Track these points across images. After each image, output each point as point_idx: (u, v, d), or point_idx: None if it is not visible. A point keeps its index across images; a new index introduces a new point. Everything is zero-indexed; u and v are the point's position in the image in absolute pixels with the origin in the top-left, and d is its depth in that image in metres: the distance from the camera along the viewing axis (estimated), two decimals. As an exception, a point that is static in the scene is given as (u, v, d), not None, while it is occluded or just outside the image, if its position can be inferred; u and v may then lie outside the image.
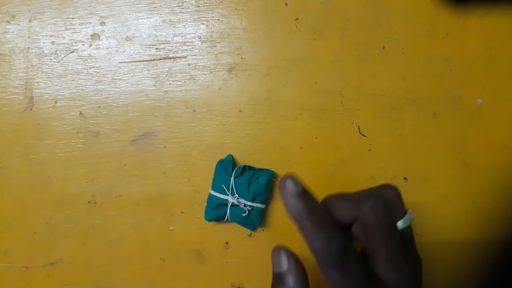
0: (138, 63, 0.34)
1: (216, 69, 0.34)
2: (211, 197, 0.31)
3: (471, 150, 0.33)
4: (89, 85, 0.34)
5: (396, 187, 0.24)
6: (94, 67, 0.34)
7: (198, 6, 0.34)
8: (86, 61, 0.34)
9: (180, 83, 0.34)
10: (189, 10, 0.34)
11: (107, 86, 0.34)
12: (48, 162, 0.33)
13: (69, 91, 0.34)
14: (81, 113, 0.34)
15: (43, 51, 0.34)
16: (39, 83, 0.34)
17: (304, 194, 0.23)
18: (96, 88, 0.34)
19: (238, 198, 0.30)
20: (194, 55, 0.34)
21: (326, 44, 0.33)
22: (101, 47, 0.34)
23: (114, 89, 0.34)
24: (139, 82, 0.34)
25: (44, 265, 0.33)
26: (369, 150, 0.33)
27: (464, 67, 0.33)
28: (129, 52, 0.34)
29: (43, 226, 0.33)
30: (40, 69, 0.34)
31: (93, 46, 0.34)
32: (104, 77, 0.34)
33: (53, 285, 0.33)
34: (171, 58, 0.34)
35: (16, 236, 0.33)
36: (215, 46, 0.34)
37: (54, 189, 0.33)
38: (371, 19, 0.34)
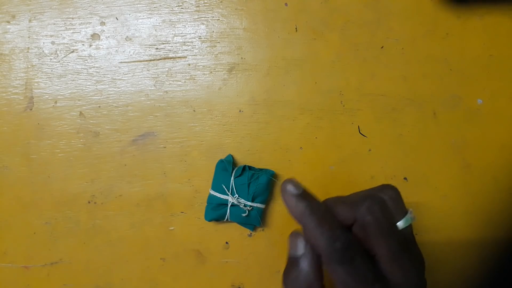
0: (138, 63, 0.34)
1: (216, 69, 0.34)
2: (211, 197, 0.31)
3: (471, 150, 0.33)
4: (89, 85, 0.34)
5: (395, 187, 0.24)
6: (94, 67, 0.34)
7: (198, 6, 0.34)
8: (86, 61, 0.34)
9: (180, 83, 0.34)
10: (189, 10, 0.34)
11: (107, 86, 0.34)
12: (48, 162, 0.33)
13: (69, 91, 0.34)
14: (81, 113, 0.34)
15: (43, 51, 0.34)
16: (39, 83, 0.34)
17: (305, 195, 0.23)
18: (96, 88, 0.34)
19: (238, 198, 0.30)
20: (194, 55, 0.34)
21: (326, 44, 0.33)
22: (101, 47, 0.34)
23: (114, 89, 0.34)
24: (139, 82, 0.34)
25: (44, 265, 0.33)
26: (369, 150, 0.33)
27: (464, 67, 0.33)
28: (129, 52, 0.34)
29: (43, 226, 0.33)
30: (40, 69, 0.34)
31: (93, 46, 0.34)
32: (104, 77, 0.34)
33: (53, 285, 0.33)
34: (171, 58, 0.34)
35: (16, 236, 0.33)
36: (215, 46, 0.34)
37: (54, 189, 0.33)
38: (371, 19, 0.34)
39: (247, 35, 0.34)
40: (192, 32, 0.34)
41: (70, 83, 0.34)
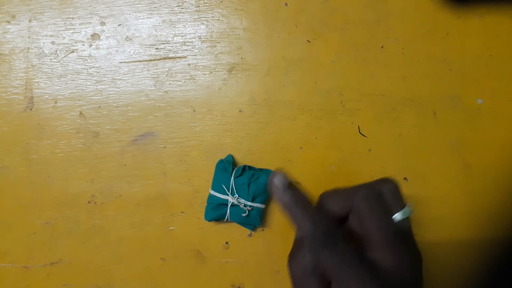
0: (138, 63, 0.34)
1: (216, 69, 0.34)
2: (211, 197, 0.31)
3: (471, 150, 0.33)
4: (89, 85, 0.34)
5: (395, 180, 0.24)
6: (94, 67, 0.34)
7: (198, 6, 0.34)
8: (86, 61, 0.34)
9: (180, 83, 0.34)
10: (189, 10, 0.34)
11: (107, 86, 0.34)
12: (48, 162, 0.33)
13: (69, 91, 0.34)
14: (81, 113, 0.34)
15: (43, 51, 0.34)
16: (39, 83, 0.34)
17: (290, 186, 0.24)
18: (96, 88, 0.34)
19: (238, 198, 0.30)
20: (194, 55, 0.34)
21: (326, 44, 0.33)
22: (101, 47, 0.34)
23: (114, 89, 0.34)
24: (139, 82, 0.34)
25: (44, 265, 0.33)
26: (369, 150, 0.33)
27: (464, 67, 0.33)
28: (129, 52, 0.34)
29: (43, 226, 0.33)
30: (40, 69, 0.34)
31: (93, 46, 0.34)
32: (104, 77, 0.34)
33: (53, 285, 0.33)
34: (171, 58, 0.34)
35: (16, 236, 0.33)
36: (215, 46, 0.34)
37: (54, 189, 0.33)
38: (371, 19, 0.34)
39: (247, 35, 0.34)
40: (192, 32, 0.34)
41: (70, 83, 0.34)
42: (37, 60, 0.34)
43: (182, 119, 0.33)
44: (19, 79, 0.34)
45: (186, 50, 0.34)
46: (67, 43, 0.34)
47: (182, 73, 0.34)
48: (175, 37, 0.34)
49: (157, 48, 0.34)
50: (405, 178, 0.33)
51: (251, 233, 0.33)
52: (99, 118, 0.33)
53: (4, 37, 0.34)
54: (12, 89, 0.34)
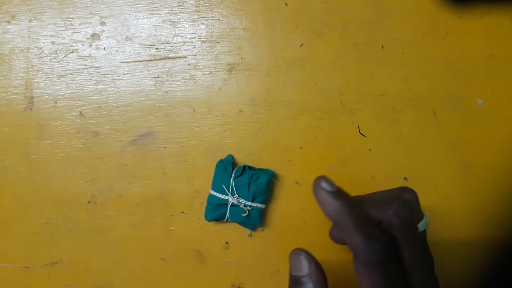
0: (138, 63, 0.34)
1: (216, 69, 0.34)
2: (211, 197, 0.31)
3: (471, 150, 0.33)
4: (89, 85, 0.34)
5: (413, 190, 0.23)
6: (94, 67, 0.34)
7: (198, 6, 0.34)
8: (86, 61, 0.34)
9: (180, 83, 0.34)
10: (189, 10, 0.34)
11: (107, 86, 0.34)
12: (48, 162, 0.33)
13: (69, 91, 0.34)
14: (81, 113, 0.34)
15: (43, 51, 0.34)
16: (39, 83, 0.34)
17: (341, 193, 0.22)
18: (96, 88, 0.34)
19: (238, 198, 0.30)
20: (194, 55, 0.34)
21: (326, 44, 0.33)
22: (101, 47, 0.34)
23: (114, 89, 0.34)
24: (139, 82, 0.34)
25: (44, 265, 0.33)
26: (369, 150, 0.33)
27: (464, 67, 0.33)
28: (129, 52, 0.34)
29: (43, 226, 0.33)
30: (40, 69, 0.34)
31: (93, 46, 0.34)
32: (104, 77, 0.34)
33: (53, 285, 0.33)
34: (171, 58, 0.34)
35: (16, 236, 0.33)
36: (215, 46, 0.34)
37: (54, 189, 0.33)
38: (371, 19, 0.34)
39: (247, 35, 0.34)
40: (192, 32, 0.34)
41: (70, 83, 0.34)
42: (37, 60, 0.34)
43: (182, 119, 0.33)
44: (19, 79, 0.34)
45: (186, 50, 0.34)
46: (67, 43, 0.34)
47: (182, 73, 0.34)
48: (175, 37, 0.34)
49: (157, 48, 0.34)
50: (405, 178, 0.33)
51: (251, 233, 0.33)
52: (99, 118, 0.33)
53: (4, 37, 0.34)
54: (12, 89, 0.34)
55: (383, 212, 0.22)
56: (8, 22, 0.34)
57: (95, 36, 0.34)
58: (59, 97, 0.34)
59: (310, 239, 0.32)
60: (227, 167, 0.31)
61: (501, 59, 0.33)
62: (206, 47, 0.34)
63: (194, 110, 0.33)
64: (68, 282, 0.33)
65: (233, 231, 0.33)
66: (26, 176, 0.33)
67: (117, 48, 0.34)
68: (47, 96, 0.34)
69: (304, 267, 0.23)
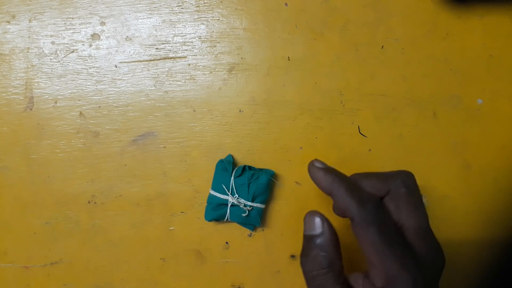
0: (138, 63, 0.34)
1: (216, 69, 0.34)
2: (211, 197, 0.31)
3: (471, 150, 0.33)
4: (89, 85, 0.34)
5: (411, 172, 0.25)
6: (94, 67, 0.34)
7: (198, 6, 0.34)
8: (86, 61, 0.34)
9: (180, 83, 0.34)
10: (189, 10, 0.34)
11: (107, 86, 0.34)
12: (48, 162, 0.33)
13: (69, 91, 0.34)
14: (81, 113, 0.34)
15: (43, 51, 0.34)
16: (39, 83, 0.34)
17: (332, 168, 0.25)
18: (96, 88, 0.34)
19: (238, 198, 0.30)
20: (194, 55, 0.34)
21: (326, 44, 0.33)
22: (101, 47, 0.34)
23: (114, 89, 0.34)
24: (139, 82, 0.34)
25: (44, 265, 0.33)
26: (369, 150, 0.33)
27: (464, 67, 0.33)
28: (129, 52, 0.34)
29: (43, 226, 0.33)
30: (40, 69, 0.34)
31: (93, 46, 0.34)
32: (104, 77, 0.34)
33: (53, 285, 0.33)
34: (171, 58, 0.34)
35: (16, 236, 0.33)
36: (215, 46, 0.34)
37: (54, 189, 0.33)
38: (371, 19, 0.34)
39: (247, 35, 0.34)
40: (192, 32, 0.34)
41: (70, 83, 0.34)
42: (37, 60, 0.34)
43: (182, 119, 0.33)
44: (19, 79, 0.34)
45: (186, 50, 0.34)
46: (67, 43, 0.34)
47: (182, 73, 0.34)
48: (175, 37, 0.34)
49: (157, 48, 0.34)
50: (405, 178, 0.33)
51: (251, 233, 0.33)
52: (99, 118, 0.33)
53: (4, 37, 0.34)
54: (12, 89, 0.34)
55: (391, 182, 0.24)
56: (8, 22, 0.34)
57: (95, 36, 0.34)
58: (59, 97, 0.34)
59: (310, 239, 0.32)
60: (227, 167, 0.31)
61: (501, 59, 0.33)
62: (206, 47, 0.34)
63: (194, 110, 0.33)
64: (68, 282, 0.33)
65: (233, 231, 0.33)
66: (26, 176, 0.33)
67: (117, 48, 0.34)
68: (47, 96, 0.34)
69: (318, 226, 0.24)
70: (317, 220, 0.24)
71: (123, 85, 0.34)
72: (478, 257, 0.32)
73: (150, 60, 0.34)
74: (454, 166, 0.33)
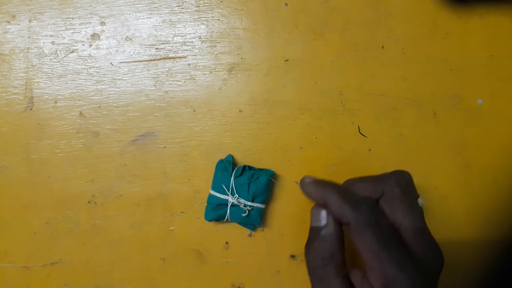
0: (138, 63, 0.34)
1: (216, 69, 0.34)
2: (211, 197, 0.31)
3: (471, 150, 0.33)
4: (89, 85, 0.34)
5: (407, 172, 0.25)
6: (94, 67, 0.34)
7: (198, 6, 0.34)
8: (86, 61, 0.34)
9: (180, 83, 0.34)
10: (189, 10, 0.34)
11: (107, 86, 0.34)
12: (48, 162, 0.33)
13: (69, 91, 0.34)
14: (81, 113, 0.34)
15: (43, 51, 0.34)
16: (39, 83, 0.34)
17: (321, 180, 0.26)
18: (96, 88, 0.34)
19: (238, 198, 0.30)
20: (194, 55, 0.34)
21: (326, 44, 0.33)
22: (101, 47, 0.34)
23: (114, 89, 0.34)
24: (139, 82, 0.34)
25: (44, 265, 0.33)
26: (369, 150, 0.33)
27: (464, 67, 0.33)
28: (129, 52, 0.34)
29: (43, 226, 0.33)
30: (40, 69, 0.34)
31: (93, 46, 0.34)
32: (104, 77, 0.34)
33: (53, 285, 0.33)
34: (171, 58, 0.34)
35: (16, 236, 0.33)
36: (215, 46, 0.34)
37: (54, 189, 0.33)
38: (371, 19, 0.34)
39: (247, 35, 0.34)
40: (192, 32, 0.34)
41: (70, 83, 0.34)
42: (37, 60, 0.34)
43: (182, 119, 0.33)
44: (19, 79, 0.34)
45: (186, 50, 0.34)
46: (67, 43, 0.34)
47: (182, 73, 0.34)
48: (175, 37, 0.34)
49: (157, 48, 0.34)
50: (405, 178, 0.33)
51: (251, 233, 0.33)
52: (99, 118, 0.33)
53: (4, 37, 0.34)
54: (12, 89, 0.34)
55: (385, 184, 0.24)
56: (8, 22, 0.34)
57: (95, 36, 0.34)
58: (59, 97, 0.34)
59: (310, 239, 0.32)
60: (227, 167, 0.31)
61: (501, 59, 0.33)
62: (206, 47, 0.34)
63: (194, 110, 0.33)
64: (68, 282, 0.33)
65: (233, 231, 0.33)
66: (26, 176, 0.33)
67: (117, 48, 0.34)
68: (47, 96, 0.34)
69: (323, 218, 0.25)
70: (323, 213, 0.25)
71: (123, 85, 0.34)
72: (478, 257, 0.32)
73: (150, 60, 0.34)
74: (454, 166, 0.33)
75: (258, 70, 0.33)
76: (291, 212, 0.33)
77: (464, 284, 0.32)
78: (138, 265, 0.33)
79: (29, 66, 0.34)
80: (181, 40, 0.34)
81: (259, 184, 0.30)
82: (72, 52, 0.34)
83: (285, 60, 0.32)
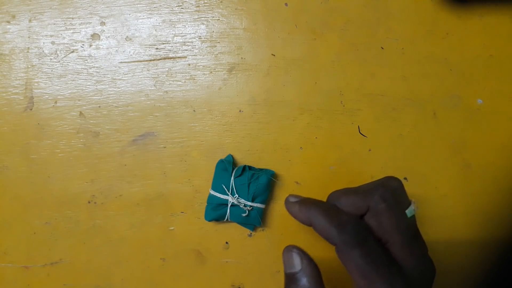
0: (138, 63, 0.34)
1: (216, 69, 0.34)
2: (211, 197, 0.31)
3: (471, 150, 0.33)
4: (89, 85, 0.34)
5: (398, 178, 0.24)
6: (94, 67, 0.34)
7: (198, 6, 0.34)
8: (86, 61, 0.34)
9: (180, 83, 0.34)
10: (189, 10, 0.34)
11: (107, 86, 0.34)
12: (48, 162, 0.33)
13: (69, 91, 0.34)
14: (81, 113, 0.34)
15: (43, 51, 0.34)
16: (39, 83, 0.34)
17: (306, 199, 0.25)
18: (96, 88, 0.34)
19: (238, 198, 0.30)
20: (194, 55, 0.34)
21: (326, 44, 0.33)
22: (101, 47, 0.34)
23: (114, 89, 0.34)
24: (139, 82, 0.34)
25: (44, 265, 0.33)
26: (369, 150, 0.33)
27: (464, 67, 0.33)
28: (129, 52, 0.34)
29: (43, 226, 0.33)
30: (40, 69, 0.34)
31: (93, 46, 0.34)
32: (104, 77, 0.34)
33: (53, 285, 0.33)
34: (171, 58, 0.34)
35: (16, 236, 0.33)
36: (215, 46, 0.34)
37: (54, 189, 0.33)
38: (371, 19, 0.34)
39: (247, 35, 0.34)
40: (192, 32, 0.34)
41: (70, 83, 0.34)
42: (37, 60, 0.34)
43: (182, 119, 0.33)
44: (19, 79, 0.34)
45: (186, 50, 0.34)
46: (67, 43, 0.34)
47: (182, 73, 0.34)
48: (175, 37, 0.34)
49: (157, 48, 0.34)
50: (405, 178, 0.33)
51: (251, 233, 0.33)
52: (99, 118, 0.33)
53: (4, 37, 0.34)
54: (12, 89, 0.34)
55: (369, 199, 0.23)
56: (8, 22, 0.34)
57: (95, 36, 0.34)
58: (59, 97, 0.34)
59: (310, 239, 0.32)
60: (227, 167, 0.31)
61: (501, 59, 0.33)
62: (206, 47, 0.34)
63: (194, 110, 0.33)
64: (68, 282, 0.33)
65: (233, 231, 0.33)
66: (26, 176, 0.33)
67: (117, 48, 0.34)
68: (47, 96, 0.34)
69: (297, 263, 0.25)
70: (295, 257, 0.25)
71: (123, 85, 0.34)
72: (478, 257, 0.32)
73: (150, 60, 0.34)
74: (454, 166, 0.33)
75: (258, 70, 0.33)
76: (291, 212, 0.33)
77: (464, 284, 0.32)
78: (138, 265, 0.33)
79: (29, 66, 0.34)
80: (181, 40, 0.34)
81: (259, 184, 0.30)
82: (72, 52, 0.34)
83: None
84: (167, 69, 0.34)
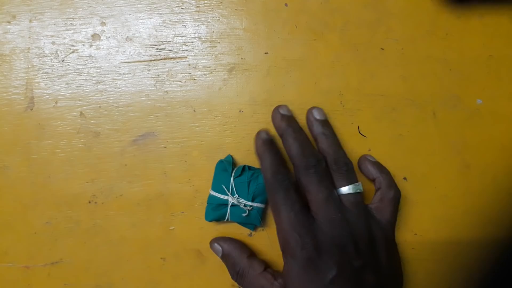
0: (139, 63, 0.34)
1: (216, 70, 0.34)
2: (211, 197, 0.31)
3: (471, 150, 0.33)
4: (89, 85, 0.34)
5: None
6: (94, 67, 0.34)
7: (198, 6, 0.34)
8: (86, 61, 0.34)
9: (180, 83, 0.34)
10: (189, 11, 0.34)
11: (108, 86, 0.34)
12: (48, 162, 0.33)
13: (70, 91, 0.34)
14: (81, 113, 0.34)
15: (43, 51, 0.34)
16: (39, 83, 0.34)
17: (270, 141, 0.30)
18: (97, 88, 0.34)
19: (238, 198, 0.30)
20: (194, 56, 0.34)
21: (326, 44, 0.33)
22: (101, 47, 0.34)
23: (115, 89, 0.34)
24: (140, 82, 0.34)
25: (44, 265, 0.33)
26: (369, 150, 0.33)
27: (464, 67, 0.33)
28: (130, 52, 0.34)
29: (43, 226, 0.33)
30: (40, 69, 0.34)
31: (93, 46, 0.34)
32: (105, 77, 0.34)
33: (54, 285, 0.33)
34: (171, 58, 0.34)
35: (17, 236, 0.33)
36: (215, 46, 0.34)
37: (55, 189, 0.33)
38: (371, 19, 0.34)
39: (247, 36, 0.34)
40: (192, 32, 0.34)
41: (71, 83, 0.34)
42: (37, 60, 0.34)
43: (183, 119, 0.33)
44: (20, 79, 0.34)
45: (186, 50, 0.34)
46: (67, 43, 0.34)
47: (182, 73, 0.34)
48: (175, 38, 0.34)
49: (157, 49, 0.34)
50: (404, 178, 0.33)
51: (251, 233, 0.33)
52: (100, 118, 0.34)
53: (5, 37, 0.34)
54: (12, 89, 0.34)
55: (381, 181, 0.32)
56: (9, 22, 0.34)
57: (95, 36, 0.34)
58: (59, 97, 0.34)
59: (310, 239, 0.32)
60: (227, 167, 0.31)
61: (501, 59, 0.33)
62: (206, 48, 0.34)
63: (194, 110, 0.33)
64: (68, 282, 0.33)
65: (233, 231, 0.33)
66: (27, 176, 0.33)
67: (117, 48, 0.34)
68: (47, 96, 0.34)
69: (218, 251, 0.31)
70: (215, 246, 0.31)
71: (123, 85, 0.34)
72: (478, 257, 0.32)
73: (151, 61, 0.34)
74: (454, 166, 0.33)
75: (258, 70, 0.33)
76: (291, 212, 0.33)
77: (464, 284, 0.32)
78: (138, 265, 0.33)
79: (29, 66, 0.34)
80: (181, 41, 0.34)
81: (259, 183, 0.31)
82: (73, 52, 0.34)
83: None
84: (167, 69, 0.34)
